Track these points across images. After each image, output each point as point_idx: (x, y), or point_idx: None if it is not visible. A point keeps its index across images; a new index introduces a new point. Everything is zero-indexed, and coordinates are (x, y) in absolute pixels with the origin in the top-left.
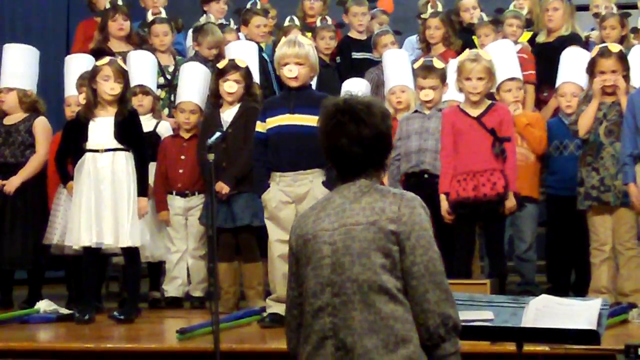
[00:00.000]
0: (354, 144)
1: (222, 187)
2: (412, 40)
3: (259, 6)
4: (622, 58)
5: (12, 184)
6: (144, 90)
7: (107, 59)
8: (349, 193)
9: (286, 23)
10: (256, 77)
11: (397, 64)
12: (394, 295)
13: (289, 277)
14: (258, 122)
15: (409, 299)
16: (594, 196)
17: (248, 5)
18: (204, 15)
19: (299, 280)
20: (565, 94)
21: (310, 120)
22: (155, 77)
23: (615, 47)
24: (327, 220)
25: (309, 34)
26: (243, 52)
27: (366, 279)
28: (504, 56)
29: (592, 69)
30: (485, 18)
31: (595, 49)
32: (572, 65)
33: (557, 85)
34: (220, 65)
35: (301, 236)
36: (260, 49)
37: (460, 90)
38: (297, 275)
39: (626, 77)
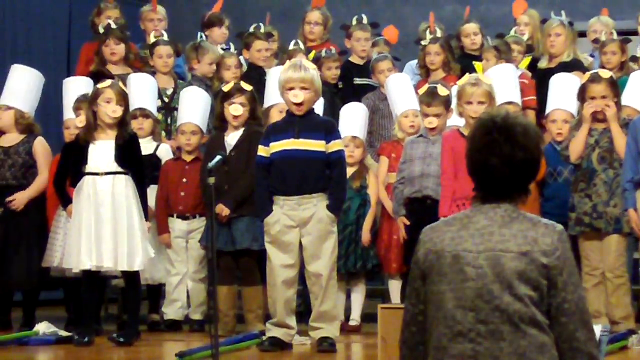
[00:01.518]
0: (505, 166)
1: (223, 210)
2: (413, 65)
3: (262, 30)
4: (613, 84)
5: (20, 201)
6: (145, 114)
7: (109, 81)
8: (496, 216)
9: (291, 47)
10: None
11: (405, 88)
12: (543, 328)
13: (410, 293)
14: (261, 147)
15: (555, 335)
16: (587, 223)
17: (251, 29)
18: (200, 37)
19: (420, 296)
20: (556, 120)
21: (315, 145)
22: (155, 100)
23: (606, 74)
24: (472, 241)
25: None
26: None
27: (517, 309)
28: (504, 80)
29: (582, 95)
30: (492, 43)
31: (586, 75)
32: (563, 92)
33: (547, 112)
34: (226, 88)
35: (434, 252)
36: (263, 73)
37: (461, 114)
38: (420, 292)
39: (617, 104)
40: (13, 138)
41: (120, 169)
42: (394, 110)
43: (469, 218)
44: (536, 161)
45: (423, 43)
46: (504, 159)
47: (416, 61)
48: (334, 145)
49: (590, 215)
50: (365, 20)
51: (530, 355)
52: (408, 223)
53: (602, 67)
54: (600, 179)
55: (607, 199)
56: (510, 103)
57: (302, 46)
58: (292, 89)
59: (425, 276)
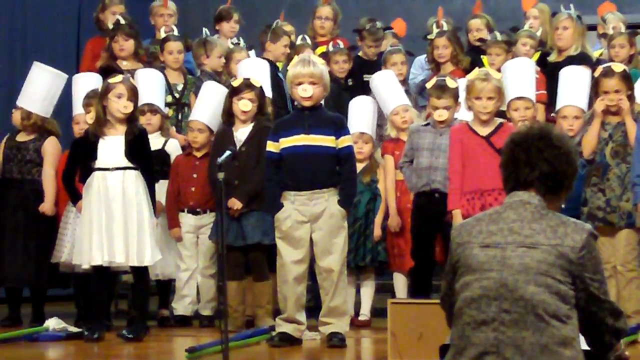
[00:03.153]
0: (543, 163)
1: (235, 203)
2: (422, 59)
3: (286, 27)
4: (626, 78)
5: (46, 206)
6: (153, 109)
7: (120, 76)
8: (526, 212)
9: (298, 42)
10: (269, 94)
11: (389, 85)
12: (565, 321)
13: (445, 283)
14: (270, 142)
15: (584, 322)
16: (600, 217)
17: (274, 25)
18: (205, 33)
19: (452, 287)
20: (566, 117)
21: (325, 140)
22: (163, 95)
23: (618, 67)
24: (500, 234)
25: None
26: (255, 70)
27: (541, 300)
28: (519, 74)
29: (595, 89)
30: (499, 37)
31: (599, 69)
32: (573, 86)
33: (557, 107)
34: (235, 84)
35: (461, 244)
36: (277, 69)
37: (469, 108)
38: (452, 284)
39: (630, 97)
40: (25, 135)
41: (129, 164)
42: (383, 109)
43: (499, 213)
44: (574, 172)
45: (430, 37)
46: (547, 161)
47: (424, 56)
48: (344, 141)
49: (603, 210)
50: (378, 25)
51: (552, 346)
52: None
53: (611, 60)
54: (613, 173)
55: (619, 193)
56: (520, 98)
57: (309, 41)
58: (300, 83)
59: (455, 270)
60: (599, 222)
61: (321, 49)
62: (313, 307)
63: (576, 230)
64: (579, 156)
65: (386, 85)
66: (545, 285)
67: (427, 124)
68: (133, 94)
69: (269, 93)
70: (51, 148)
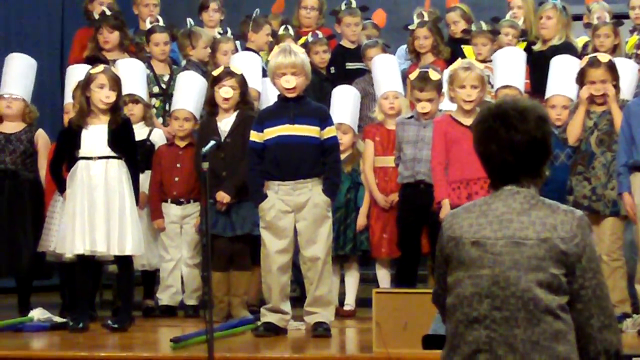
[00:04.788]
0: (505, 151)
1: (224, 197)
2: (404, 49)
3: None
4: (612, 68)
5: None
6: (134, 99)
7: (101, 66)
8: (514, 203)
9: (280, 32)
10: (257, 87)
11: (388, 69)
12: (558, 315)
13: (437, 278)
14: (253, 132)
15: (573, 320)
16: (585, 205)
17: (254, 15)
18: (190, 23)
19: (445, 280)
20: (555, 106)
21: (310, 130)
22: (144, 84)
23: (604, 57)
24: (490, 228)
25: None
26: (247, 64)
27: (532, 297)
28: (509, 64)
29: (581, 79)
30: (484, 27)
31: (585, 59)
32: (562, 76)
33: (546, 96)
34: (216, 72)
35: (453, 238)
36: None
37: (452, 99)
38: (445, 278)
39: (616, 87)
40: (14, 125)
41: (112, 153)
42: (377, 91)
43: (488, 205)
44: (538, 141)
45: (411, 27)
46: (502, 143)
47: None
48: (328, 132)
49: (589, 198)
50: (353, 4)
51: (544, 342)
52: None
53: (595, 50)
54: (599, 162)
55: (605, 181)
56: (508, 87)
57: (291, 31)
58: (283, 74)
59: (448, 263)
60: (584, 210)
61: (301, 40)
62: (298, 297)
63: (565, 220)
64: (565, 142)
65: (385, 68)
66: (537, 280)
67: (411, 117)
68: (115, 83)
69: (259, 87)
70: (43, 141)
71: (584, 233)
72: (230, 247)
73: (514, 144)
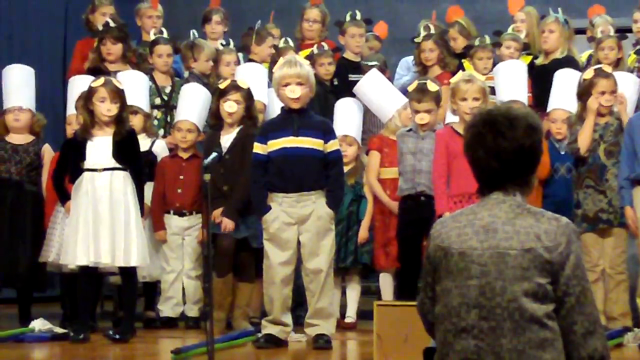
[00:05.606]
0: (491, 157)
1: (227, 225)
2: (408, 61)
3: (271, 29)
4: (615, 81)
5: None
6: (133, 110)
7: (102, 79)
8: (500, 212)
9: (281, 45)
10: (263, 99)
11: (384, 83)
12: (544, 324)
13: (424, 286)
14: (257, 144)
15: (559, 326)
16: (605, 219)
17: (257, 27)
18: (194, 35)
19: (432, 288)
20: (555, 120)
21: (314, 143)
22: (146, 96)
23: (609, 69)
24: (476, 238)
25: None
26: (252, 75)
27: (518, 307)
28: (511, 77)
29: (588, 90)
30: (488, 40)
31: (591, 71)
32: (564, 90)
33: (548, 109)
34: (222, 85)
35: (442, 248)
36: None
37: (454, 111)
38: (432, 286)
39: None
40: (22, 137)
41: (117, 165)
42: (386, 107)
43: (475, 214)
44: (525, 149)
45: (416, 40)
46: (488, 149)
47: (411, 57)
48: (332, 145)
49: (607, 212)
50: (358, 16)
51: (530, 351)
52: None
53: (598, 62)
54: (611, 173)
55: (616, 192)
56: (514, 101)
57: (291, 43)
58: (287, 84)
59: (435, 271)
60: (602, 224)
61: (305, 52)
62: (293, 306)
63: (549, 229)
64: (577, 152)
65: (382, 84)
66: (522, 290)
67: (410, 129)
68: (115, 95)
69: (264, 99)
70: (49, 155)
71: (569, 240)
72: (233, 248)
73: (500, 150)
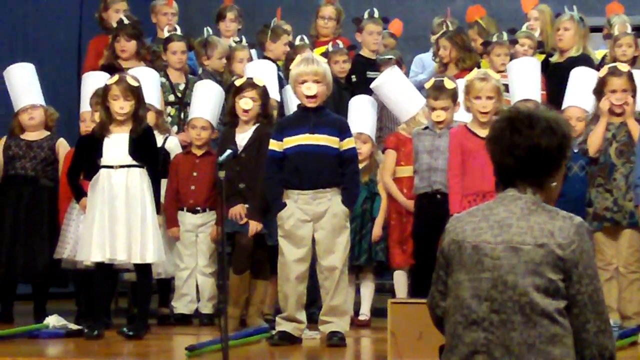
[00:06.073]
0: (506, 153)
1: (255, 227)
2: (422, 57)
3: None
4: (631, 78)
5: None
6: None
7: (115, 77)
8: (515, 208)
9: (297, 42)
10: (276, 96)
11: (406, 82)
12: (555, 319)
13: (435, 280)
14: (273, 141)
15: (570, 324)
16: (608, 217)
17: (273, 24)
18: (207, 32)
19: (444, 282)
20: (570, 117)
21: (329, 140)
22: (157, 93)
23: (624, 67)
24: (490, 232)
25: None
26: (262, 72)
27: (529, 301)
28: (524, 75)
29: (601, 88)
30: (505, 37)
31: (605, 69)
32: (580, 87)
33: (563, 107)
34: (238, 82)
35: (456, 241)
36: (278, 68)
37: (468, 109)
38: (444, 280)
39: (633, 97)
40: (36, 134)
41: (134, 162)
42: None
43: (490, 209)
44: (541, 150)
45: (433, 38)
46: (504, 145)
47: (425, 54)
48: (347, 143)
49: (611, 210)
50: (376, 14)
51: (540, 345)
52: None
53: (614, 60)
54: (619, 173)
55: (624, 192)
56: (528, 100)
57: (307, 41)
58: (304, 81)
59: (448, 265)
60: (607, 222)
61: (320, 49)
62: (308, 304)
63: (564, 226)
64: (586, 153)
65: (402, 81)
66: (533, 285)
67: (426, 127)
68: (129, 93)
69: (276, 95)
70: (64, 150)
71: (582, 239)
72: (252, 246)
73: (514, 146)
